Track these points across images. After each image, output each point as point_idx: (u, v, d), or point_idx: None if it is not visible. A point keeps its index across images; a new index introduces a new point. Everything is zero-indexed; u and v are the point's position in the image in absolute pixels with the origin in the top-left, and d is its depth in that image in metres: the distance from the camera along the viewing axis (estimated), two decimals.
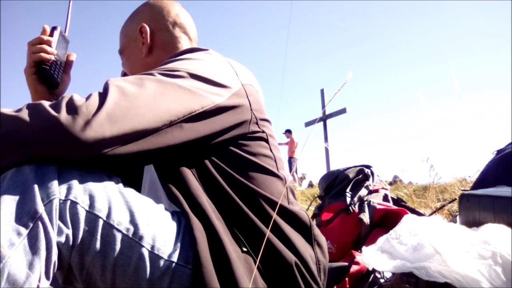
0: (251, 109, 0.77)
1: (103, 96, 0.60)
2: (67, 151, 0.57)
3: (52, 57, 0.86)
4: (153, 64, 0.89)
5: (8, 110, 0.58)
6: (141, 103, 0.62)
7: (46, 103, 0.58)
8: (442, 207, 1.88)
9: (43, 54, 0.84)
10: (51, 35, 0.87)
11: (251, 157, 0.76)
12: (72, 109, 0.57)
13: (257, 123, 0.79)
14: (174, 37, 0.94)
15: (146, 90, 0.64)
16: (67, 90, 0.95)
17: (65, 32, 0.92)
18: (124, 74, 0.99)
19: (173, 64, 0.73)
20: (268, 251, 0.68)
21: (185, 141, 0.67)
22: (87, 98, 0.59)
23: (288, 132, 9.63)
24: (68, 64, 0.94)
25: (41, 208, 0.53)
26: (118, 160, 0.61)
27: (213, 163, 0.73)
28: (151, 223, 0.62)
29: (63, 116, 0.55)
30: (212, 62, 0.77)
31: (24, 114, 0.56)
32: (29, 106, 0.58)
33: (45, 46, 0.85)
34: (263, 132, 0.80)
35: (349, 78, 0.67)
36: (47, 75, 0.86)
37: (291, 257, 0.69)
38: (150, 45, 0.93)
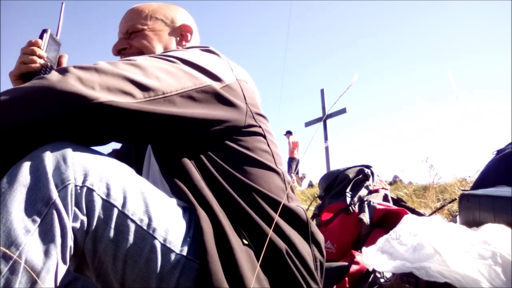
0: (246, 103, 0.78)
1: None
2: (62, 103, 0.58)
3: (42, 62, 0.84)
4: None
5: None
6: (133, 70, 0.65)
7: None
8: (442, 207, 1.88)
9: (32, 65, 0.83)
10: (41, 38, 0.86)
11: (248, 152, 0.76)
12: (63, 70, 0.60)
13: (253, 117, 0.79)
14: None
15: (138, 62, 0.67)
16: None
17: (56, 34, 0.91)
18: (118, 52, 0.96)
19: (166, 53, 0.76)
20: (266, 248, 0.68)
21: (178, 116, 0.67)
22: None
23: (288, 133, 9.63)
24: (60, 66, 0.91)
25: (55, 194, 0.53)
26: (115, 116, 0.62)
27: (209, 158, 0.73)
28: (165, 216, 0.63)
29: (54, 75, 0.59)
30: (206, 56, 0.79)
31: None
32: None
33: (35, 58, 0.83)
34: (260, 127, 0.80)
35: (354, 81, 0.66)
36: None
37: (282, 244, 0.70)
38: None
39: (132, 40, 0.93)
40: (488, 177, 1.33)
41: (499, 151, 1.41)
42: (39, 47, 0.84)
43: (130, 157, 0.99)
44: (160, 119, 0.66)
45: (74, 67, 0.61)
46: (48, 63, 0.86)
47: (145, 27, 0.93)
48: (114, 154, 1.04)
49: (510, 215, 0.87)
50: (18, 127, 0.57)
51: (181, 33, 0.98)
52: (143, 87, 0.64)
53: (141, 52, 0.93)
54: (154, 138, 0.74)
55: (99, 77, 0.61)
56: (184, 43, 0.98)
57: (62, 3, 0.95)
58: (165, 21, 0.96)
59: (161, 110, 0.65)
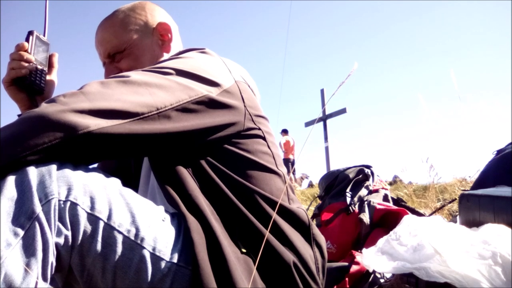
0: (244, 106, 0.77)
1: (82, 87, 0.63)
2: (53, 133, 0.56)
3: (30, 66, 0.83)
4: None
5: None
6: (124, 90, 0.64)
7: None
8: (442, 207, 1.88)
9: (21, 71, 0.82)
10: (26, 40, 0.84)
11: (248, 155, 0.76)
12: (51, 100, 0.60)
13: (252, 120, 0.78)
14: (178, 40, 1.00)
15: (131, 79, 0.66)
16: (53, 92, 0.93)
17: (44, 34, 0.90)
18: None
19: (162, 63, 0.74)
20: (267, 252, 0.67)
21: (175, 132, 0.67)
22: None
23: (284, 132, 9.55)
24: (51, 66, 0.92)
25: (38, 208, 0.52)
26: (107, 141, 0.61)
27: (209, 163, 0.73)
28: (152, 225, 0.62)
29: (42, 106, 0.58)
30: (203, 60, 0.77)
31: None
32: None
33: (22, 63, 0.82)
34: (259, 129, 0.80)
35: (354, 69, 0.64)
36: (28, 84, 0.83)
37: (289, 257, 0.69)
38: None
39: (119, 63, 0.92)
40: (488, 177, 1.33)
41: (499, 151, 1.41)
42: (25, 50, 0.83)
43: (130, 164, 0.99)
44: (155, 137, 0.65)
45: (63, 95, 0.60)
46: (38, 66, 0.85)
47: (125, 46, 0.91)
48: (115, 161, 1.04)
49: (510, 215, 0.86)
50: (12, 163, 0.55)
51: (160, 35, 0.95)
52: (136, 105, 0.63)
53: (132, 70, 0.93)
54: (151, 153, 0.73)
55: (89, 102, 0.60)
56: (168, 44, 0.95)
57: (46, 1, 0.92)
58: (140, 29, 0.93)
59: (155, 128, 0.64)
